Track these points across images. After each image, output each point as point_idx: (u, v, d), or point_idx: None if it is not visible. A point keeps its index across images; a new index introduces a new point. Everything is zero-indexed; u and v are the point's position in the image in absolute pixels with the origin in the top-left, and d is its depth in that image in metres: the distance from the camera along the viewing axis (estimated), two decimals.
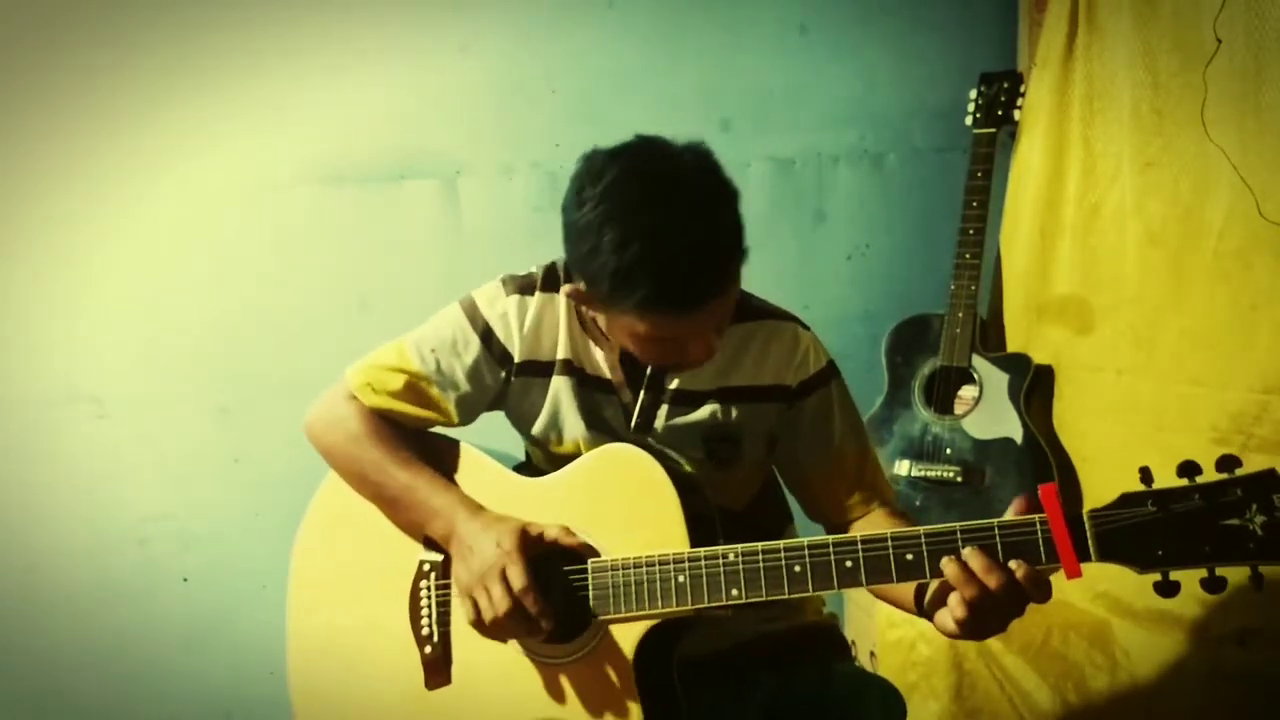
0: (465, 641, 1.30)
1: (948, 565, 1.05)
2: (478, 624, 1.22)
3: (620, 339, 1.28)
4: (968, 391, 2.24)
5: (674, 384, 1.36)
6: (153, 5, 1.96)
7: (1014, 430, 2.16)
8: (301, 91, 2.06)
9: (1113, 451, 2.05)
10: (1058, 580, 1.06)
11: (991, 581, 1.03)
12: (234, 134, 2.04)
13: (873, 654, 2.13)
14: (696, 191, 1.14)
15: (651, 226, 1.10)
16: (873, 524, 1.36)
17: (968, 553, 1.05)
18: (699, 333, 1.20)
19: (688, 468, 1.35)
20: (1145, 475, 0.99)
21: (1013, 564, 1.03)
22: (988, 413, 2.19)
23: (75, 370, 2.03)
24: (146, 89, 1.98)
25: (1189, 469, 0.98)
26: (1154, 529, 0.98)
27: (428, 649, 1.32)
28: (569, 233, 1.18)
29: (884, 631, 2.06)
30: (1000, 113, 2.22)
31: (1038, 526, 1.03)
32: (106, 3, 1.93)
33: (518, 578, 1.19)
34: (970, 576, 1.04)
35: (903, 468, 2.24)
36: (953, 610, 1.06)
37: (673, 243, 1.11)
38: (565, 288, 1.27)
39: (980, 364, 2.21)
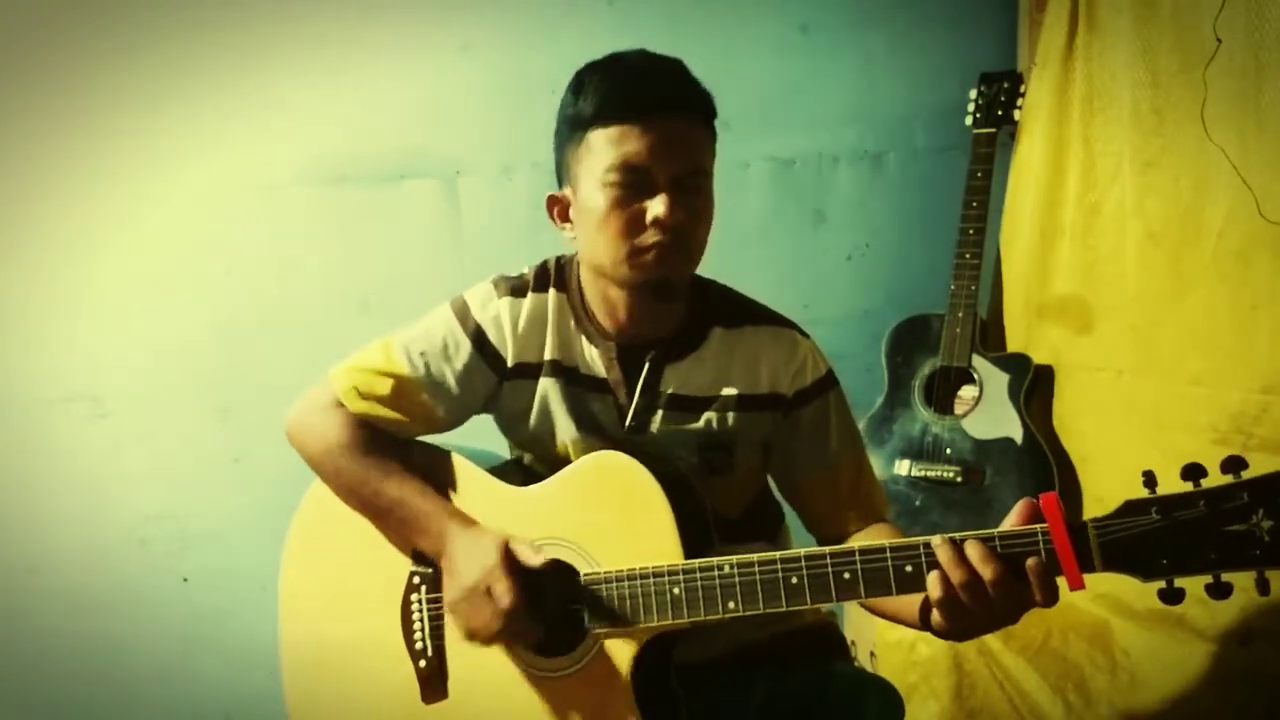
0: (460, 655, 1.28)
1: (940, 548, 1.03)
2: (470, 639, 1.22)
3: (586, 212, 1.24)
4: (968, 391, 2.24)
5: (670, 388, 1.33)
6: (152, 5, 1.95)
7: (1014, 430, 2.16)
8: (302, 91, 2.05)
9: (1113, 451, 2.05)
10: (1059, 585, 1.05)
11: (988, 572, 1.01)
12: (234, 134, 2.03)
13: (873, 654, 2.13)
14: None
15: (608, 60, 1.26)
16: (865, 540, 1.32)
17: (968, 545, 1.03)
18: (665, 168, 1.20)
19: (680, 467, 1.33)
20: (1149, 480, 0.97)
21: (1029, 562, 1.01)
22: (988, 413, 2.19)
23: (75, 369, 2.02)
24: (146, 88, 1.97)
25: (1194, 472, 0.96)
26: (1158, 537, 0.96)
27: (422, 663, 1.30)
28: (557, 128, 1.30)
29: (884, 631, 2.06)
30: (1000, 113, 2.23)
31: (1039, 536, 1.01)
32: (106, 2, 1.92)
33: (504, 594, 1.17)
34: (961, 559, 1.02)
35: (903, 468, 2.24)
36: (931, 591, 1.03)
37: (625, 59, 1.25)
38: (547, 200, 1.35)
39: (980, 364, 2.21)
